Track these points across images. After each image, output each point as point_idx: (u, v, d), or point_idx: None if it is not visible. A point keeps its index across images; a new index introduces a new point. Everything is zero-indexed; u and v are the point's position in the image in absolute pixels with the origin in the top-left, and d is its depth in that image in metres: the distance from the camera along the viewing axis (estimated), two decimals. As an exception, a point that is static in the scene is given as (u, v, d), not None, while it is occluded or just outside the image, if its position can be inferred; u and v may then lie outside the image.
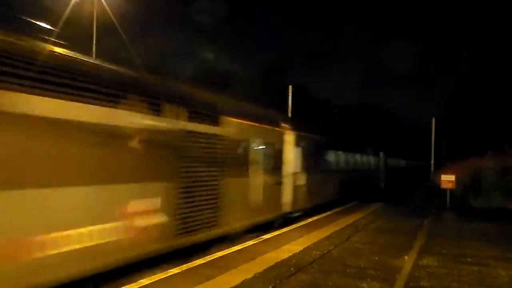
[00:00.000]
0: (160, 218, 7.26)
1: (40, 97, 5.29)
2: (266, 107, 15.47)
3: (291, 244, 9.37)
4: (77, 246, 5.63)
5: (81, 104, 5.81)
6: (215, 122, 9.11)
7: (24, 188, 5.10)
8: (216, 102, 9.92)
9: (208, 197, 8.63)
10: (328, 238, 10.32)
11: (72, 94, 5.71)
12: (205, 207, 8.53)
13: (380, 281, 6.72)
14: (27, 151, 5.16)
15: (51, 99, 5.42)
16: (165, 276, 6.67)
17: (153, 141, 7.20)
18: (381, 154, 31.49)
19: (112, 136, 6.34)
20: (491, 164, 23.62)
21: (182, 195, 7.81)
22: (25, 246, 5.06)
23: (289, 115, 28.38)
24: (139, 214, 6.79)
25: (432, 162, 36.85)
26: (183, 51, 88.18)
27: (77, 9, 19.95)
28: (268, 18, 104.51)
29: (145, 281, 6.34)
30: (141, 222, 6.81)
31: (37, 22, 14.44)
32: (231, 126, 9.74)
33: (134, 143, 6.79)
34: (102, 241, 6.01)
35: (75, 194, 5.70)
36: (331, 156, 19.06)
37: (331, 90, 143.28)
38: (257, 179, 10.98)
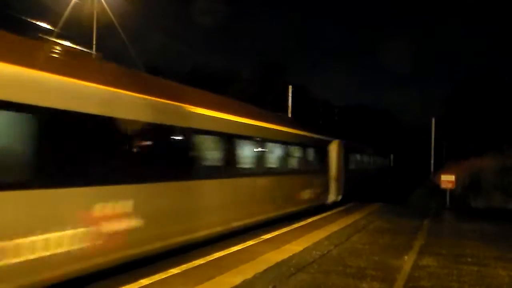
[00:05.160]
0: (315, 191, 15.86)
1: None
2: (267, 107, 16.18)
3: (291, 244, 9.38)
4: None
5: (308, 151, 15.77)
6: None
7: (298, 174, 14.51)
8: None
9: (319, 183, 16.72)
10: (328, 238, 10.34)
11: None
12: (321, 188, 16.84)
13: (380, 281, 6.73)
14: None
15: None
16: (165, 276, 6.67)
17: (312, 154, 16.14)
18: (391, 156, 35.98)
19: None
20: (491, 164, 23.59)
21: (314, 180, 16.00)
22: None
23: (289, 115, 28.43)
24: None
25: (432, 162, 36.87)
26: (183, 50, 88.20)
27: (77, 9, 19.93)
28: (268, 18, 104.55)
29: (145, 281, 6.34)
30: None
31: (37, 23, 14.42)
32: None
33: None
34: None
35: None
36: (358, 158, 24.57)
37: (331, 90, 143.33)
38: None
